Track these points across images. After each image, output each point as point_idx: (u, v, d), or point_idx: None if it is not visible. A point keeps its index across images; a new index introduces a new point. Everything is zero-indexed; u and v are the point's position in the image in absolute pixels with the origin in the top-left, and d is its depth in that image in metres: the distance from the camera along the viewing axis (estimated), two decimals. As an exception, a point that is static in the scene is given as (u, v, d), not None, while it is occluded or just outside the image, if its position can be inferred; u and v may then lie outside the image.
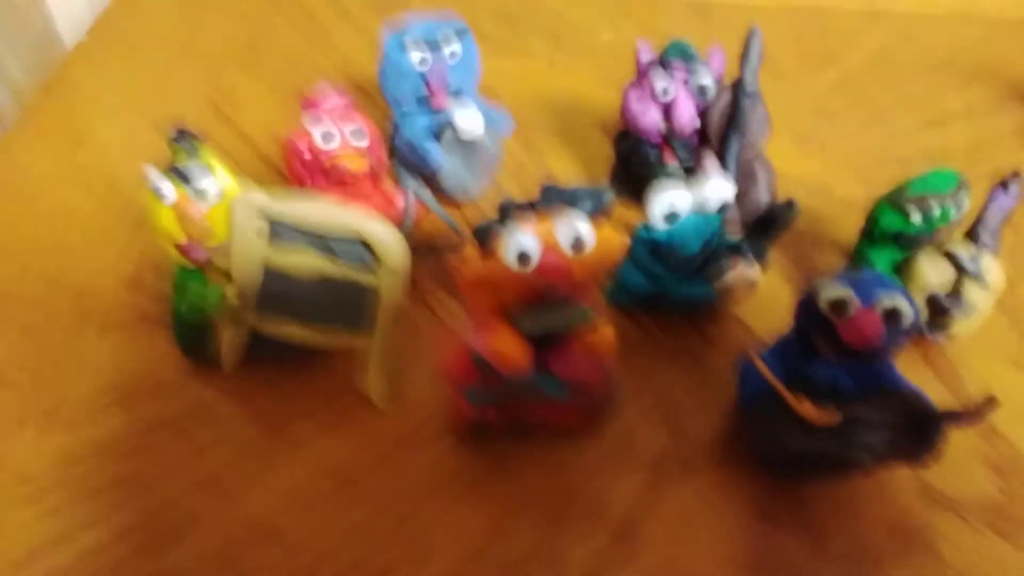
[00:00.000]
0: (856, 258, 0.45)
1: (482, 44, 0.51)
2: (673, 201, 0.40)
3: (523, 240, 0.33)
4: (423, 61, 0.48)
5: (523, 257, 0.33)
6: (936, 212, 0.41)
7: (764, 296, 0.47)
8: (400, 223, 0.46)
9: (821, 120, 0.61)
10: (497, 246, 0.34)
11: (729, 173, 0.48)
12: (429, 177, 0.51)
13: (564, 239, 0.34)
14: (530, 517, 0.39)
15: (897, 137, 0.60)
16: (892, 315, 0.35)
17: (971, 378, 0.44)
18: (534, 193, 0.35)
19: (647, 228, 0.41)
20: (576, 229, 0.34)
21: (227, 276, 0.38)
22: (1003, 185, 0.42)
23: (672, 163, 0.49)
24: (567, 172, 0.56)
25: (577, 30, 0.70)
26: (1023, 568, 0.37)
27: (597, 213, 0.35)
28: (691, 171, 0.49)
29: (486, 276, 0.34)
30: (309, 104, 0.44)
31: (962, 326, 0.44)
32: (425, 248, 0.46)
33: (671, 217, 0.41)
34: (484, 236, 0.34)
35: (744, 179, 0.48)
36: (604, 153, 0.55)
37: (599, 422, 0.42)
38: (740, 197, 0.49)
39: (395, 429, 0.42)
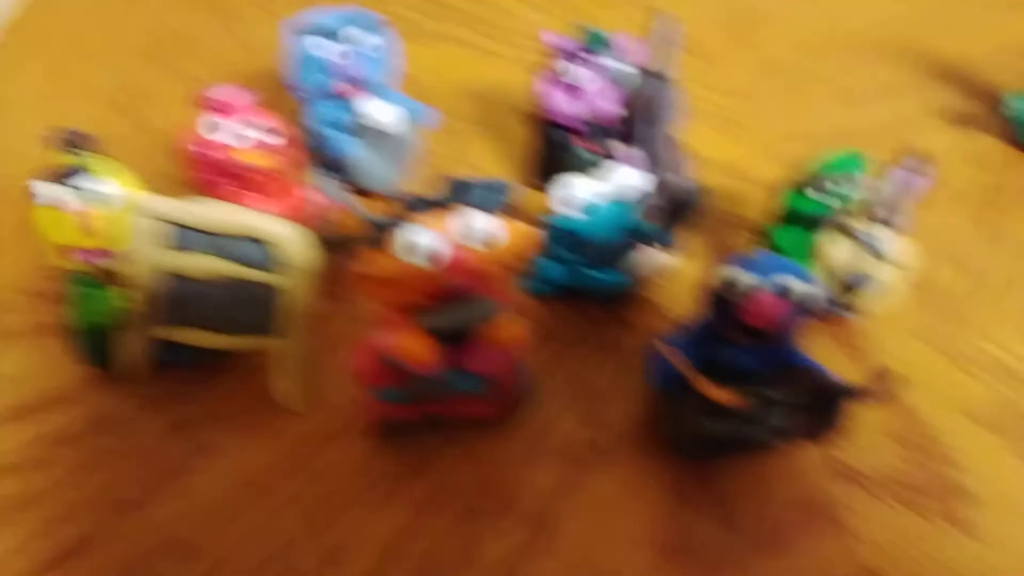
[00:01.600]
0: (767, 239, 0.46)
1: (406, 32, 0.51)
2: (586, 191, 0.40)
3: (425, 237, 0.33)
4: (332, 53, 0.48)
5: (427, 255, 0.33)
6: (839, 193, 0.42)
7: (683, 280, 0.48)
8: (314, 221, 0.45)
9: (743, 103, 0.61)
10: (398, 244, 0.33)
11: (645, 160, 0.48)
12: (346, 172, 0.50)
13: (471, 235, 0.33)
14: (447, 512, 0.39)
15: (815, 118, 0.61)
16: (788, 294, 0.36)
17: (882, 354, 0.46)
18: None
19: (562, 219, 0.41)
20: (483, 225, 0.34)
21: (126, 282, 0.37)
22: (903, 165, 0.43)
23: (590, 151, 0.49)
24: (489, 161, 0.56)
25: (503, 16, 0.69)
26: (924, 533, 0.38)
27: (504, 207, 0.35)
28: (609, 158, 0.49)
29: (386, 275, 0.34)
30: (210, 105, 0.43)
31: (870, 303, 0.45)
32: (341, 245, 0.45)
33: (585, 207, 0.41)
34: (382, 232, 0.34)
35: (660, 165, 0.49)
36: (525, 140, 0.55)
37: (516, 413, 0.42)
38: (660, 182, 0.49)
39: (309, 430, 0.41)
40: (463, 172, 0.55)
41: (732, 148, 0.57)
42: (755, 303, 0.36)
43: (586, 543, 0.38)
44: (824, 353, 0.45)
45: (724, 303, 0.37)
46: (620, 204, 0.41)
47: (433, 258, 0.33)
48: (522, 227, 0.35)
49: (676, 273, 0.46)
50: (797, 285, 0.36)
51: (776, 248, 0.45)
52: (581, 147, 0.50)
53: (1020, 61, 0.57)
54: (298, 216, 0.42)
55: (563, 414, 0.43)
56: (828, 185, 0.42)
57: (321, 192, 0.46)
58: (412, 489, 0.40)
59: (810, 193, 0.43)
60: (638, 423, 0.42)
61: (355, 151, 0.49)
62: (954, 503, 0.39)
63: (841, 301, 0.45)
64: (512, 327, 0.35)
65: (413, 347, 0.34)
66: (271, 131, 0.43)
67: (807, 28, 0.68)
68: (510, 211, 0.35)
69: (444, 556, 0.37)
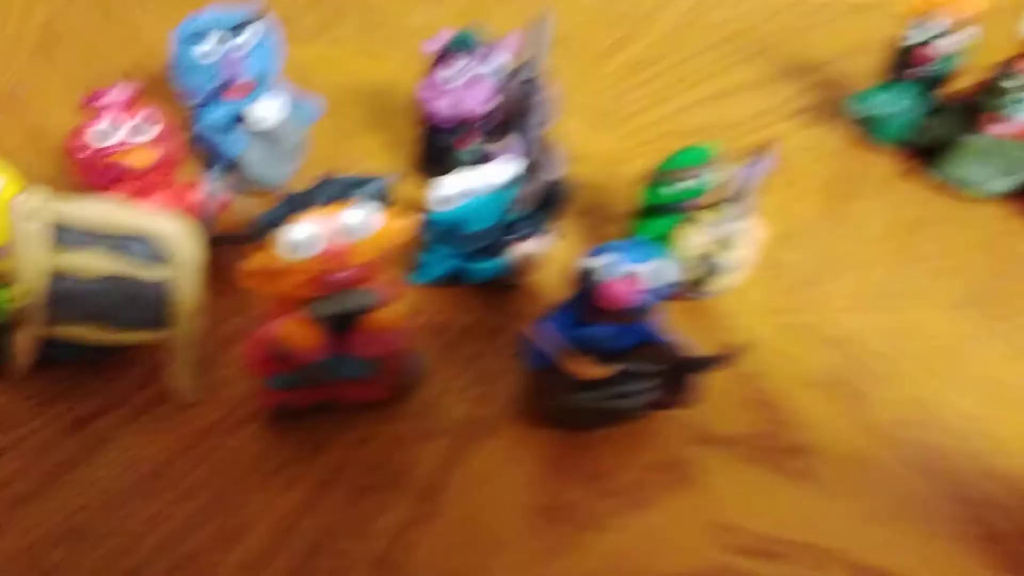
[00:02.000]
0: (631, 229, 0.50)
1: (293, 32, 0.52)
2: (456, 185, 0.43)
3: (304, 231, 0.35)
4: (216, 52, 0.49)
5: (305, 247, 0.35)
6: (690, 184, 0.47)
7: (561, 265, 0.51)
8: (199, 215, 0.46)
9: (614, 98, 0.66)
10: (279, 239, 0.35)
11: (521, 154, 0.52)
12: (237, 171, 0.52)
13: (344, 228, 0.36)
14: (339, 490, 0.41)
15: (682, 112, 0.65)
16: (640, 279, 0.40)
17: (738, 329, 0.50)
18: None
19: (437, 213, 0.44)
20: (359, 219, 0.36)
21: (12, 281, 0.38)
22: (755, 156, 0.47)
23: (468, 147, 0.52)
24: (376, 158, 0.58)
25: (388, 16, 0.71)
26: (771, 486, 0.43)
27: (379, 200, 0.38)
28: (486, 153, 0.52)
29: (270, 269, 0.36)
30: (94, 104, 0.44)
31: (725, 283, 0.49)
32: (227, 238, 0.47)
33: (457, 199, 0.44)
34: (264, 228, 0.36)
35: (536, 159, 0.52)
36: (412, 137, 0.58)
37: (407, 395, 0.44)
38: (532, 175, 0.52)
39: (203, 418, 0.43)
40: (354, 170, 0.57)
41: (605, 142, 0.62)
42: (610, 288, 0.39)
43: (470, 510, 0.41)
44: (684, 329, 0.50)
45: (584, 288, 0.41)
46: (490, 198, 0.44)
47: (312, 252, 0.35)
48: (398, 220, 0.38)
49: (552, 260, 0.50)
50: (648, 270, 0.40)
51: (642, 237, 0.49)
52: (462, 143, 0.53)
53: (866, 59, 0.62)
54: (184, 212, 0.43)
55: (452, 394, 0.46)
56: (676, 178, 0.46)
57: (209, 189, 0.48)
58: (307, 471, 0.42)
59: (668, 186, 0.47)
60: (520, 400, 0.46)
61: (244, 150, 0.51)
62: (796, 458, 0.44)
63: (698, 283, 0.49)
64: (392, 313, 0.38)
65: (297, 335, 0.37)
66: (154, 129, 0.44)
67: (671, 28, 0.73)
68: (388, 205, 0.38)
69: (338, 530, 0.40)
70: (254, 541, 0.39)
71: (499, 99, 0.51)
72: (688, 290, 0.49)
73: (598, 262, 0.40)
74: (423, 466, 0.43)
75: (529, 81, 0.50)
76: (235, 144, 0.51)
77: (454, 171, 0.44)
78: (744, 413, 0.46)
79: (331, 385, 0.41)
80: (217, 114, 0.51)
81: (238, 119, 0.51)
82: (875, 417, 0.46)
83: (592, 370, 0.41)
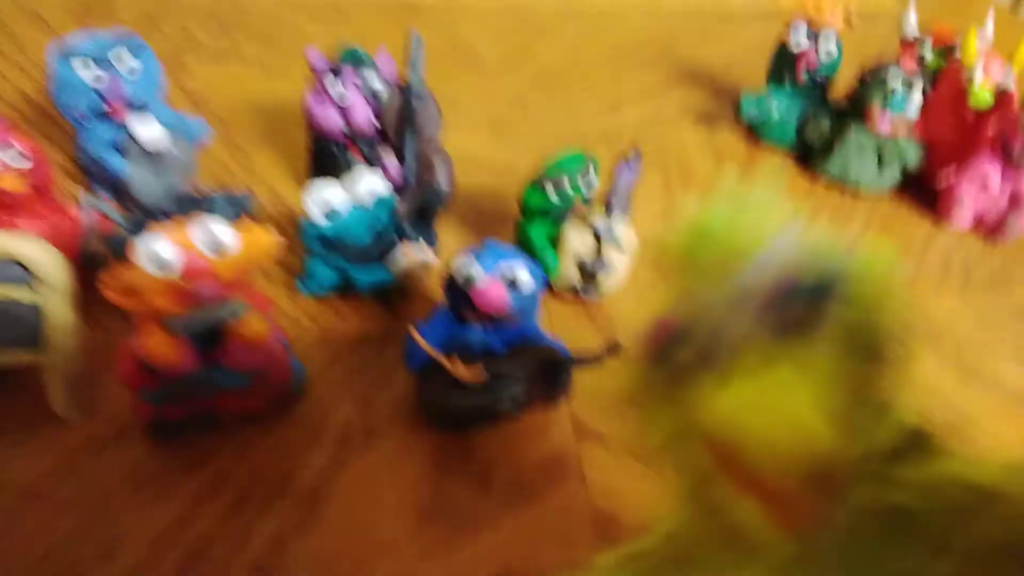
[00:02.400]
0: (518, 232, 0.51)
1: (195, 52, 0.53)
2: (327, 199, 0.44)
3: (161, 248, 0.36)
4: (97, 78, 0.49)
5: (163, 264, 0.36)
6: (568, 190, 0.48)
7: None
8: (78, 238, 0.47)
9: (516, 110, 0.67)
10: (138, 255, 0.36)
11: (408, 166, 0.53)
12: (122, 191, 0.52)
13: (203, 244, 0.36)
14: (219, 501, 0.42)
15: (581, 121, 0.67)
16: (513, 283, 0.41)
17: (624, 326, 0.52)
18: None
19: (314, 224, 0.45)
20: (217, 235, 0.37)
21: None
22: (626, 161, 0.49)
23: (357, 159, 0.53)
24: (274, 173, 0.59)
25: (288, 33, 0.72)
26: (649, 479, 0.44)
27: (239, 217, 0.38)
28: (374, 164, 0.53)
29: (130, 285, 0.36)
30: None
31: (608, 283, 0.51)
32: (102, 258, 0.47)
33: (331, 214, 0.44)
34: (120, 247, 0.36)
35: (423, 170, 0.53)
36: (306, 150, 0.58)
37: (288, 405, 0.45)
38: (421, 186, 0.54)
39: (85, 437, 0.43)
40: (249, 183, 0.58)
41: (505, 150, 0.63)
42: (481, 292, 0.41)
43: (353, 515, 0.42)
44: (577, 328, 0.51)
45: (458, 292, 0.42)
46: (366, 208, 0.45)
47: (170, 268, 0.36)
48: (260, 235, 0.39)
49: (442, 267, 0.51)
50: (523, 274, 0.41)
51: (527, 240, 0.50)
52: (352, 156, 0.53)
53: (758, 63, 0.65)
54: (56, 235, 0.43)
55: (338, 402, 0.46)
56: (554, 184, 0.47)
57: (89, 210, 0.48)
58: (187, 483, 0.42)
59: (547, 192, 0.48)
60: (406, 405, 0.46)
61: (128, 170, 0.51)
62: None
63: (585, 284, 0.51)
64: (256, 325, 0.39)
65: (161, 350, 0.37)
66: (18, 154, 0.44)
67: (573, 42, 0.75)
68: (252, 219, 0.38)
69: (217, 538, 0.40)
70: (134, 552, 0.39)
71: (385, 112, 0.52)
72: (576, 291, 0.50)
73: (473, 266, 0.41)
74: (305, 473, 0.43)
75: (412, 97, 0.51)
76: (120, 164, 0.51)
77: (316, 187, 0.45)
78: (628, 411, 0.47)
79: (208, 397, 0.42)
80: (101, 134, 0.51)
81: (122, 139, 0.51)
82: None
83: (468, 372, 0.42)
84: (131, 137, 0.51)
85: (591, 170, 0.48)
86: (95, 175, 0.52)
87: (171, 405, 0.41)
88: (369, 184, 0.44)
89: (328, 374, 0.47)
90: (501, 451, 0.45)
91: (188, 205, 0.37)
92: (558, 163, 0.48)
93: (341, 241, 0.46)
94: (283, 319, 0.50)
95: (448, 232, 0.56)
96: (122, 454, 0.43)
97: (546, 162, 0.49)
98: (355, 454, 0.44)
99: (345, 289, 0.50)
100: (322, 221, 0.44)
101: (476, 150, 0.61)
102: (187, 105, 0.64)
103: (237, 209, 0.38)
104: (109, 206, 0.50)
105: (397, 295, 0.51)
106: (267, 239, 0.39)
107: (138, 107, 0.52)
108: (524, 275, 0.41)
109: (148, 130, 0.50)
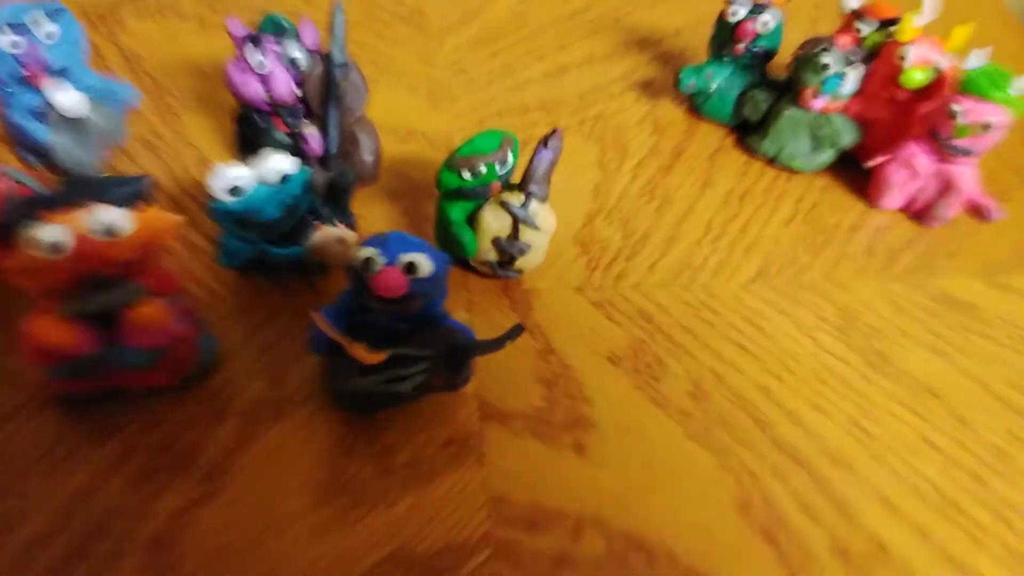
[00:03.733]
0: (438, 211, 0.51)
1: (133, 4, 0.52)
2: (231, 176, 0.44)
3: (48, 232, 0.36)
4: (14, 44, 0.49)
5: (51, 247, 0.36)
6: (483, 169, 0.48)
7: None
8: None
9: (456, 75, 0.66)
10: (23, 237, 0.36)
11: (332, 138, 0.53)
12: (46, 158, 0.52)
13: (93, 227, 0.37)
14: (124, 474, 0.43)
15: (522, 88, 0.66)
16: (412, 268, 0.41)
17: (544, 307, 0.52)
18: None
19: (218, 202, 0.45)
20: (107, 217, 0.37)
21: None
22: (544, 141, 0.49)
23: (281, 131, 0.53)
24: (202, 137, 0.59)
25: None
26: (548, 460, 0.45)
27: (134, 200, 0.39)
28: (295, 137, 0.53)
29: (18, 265, 0.37)
30: None
31: (525, 263, 0.51)
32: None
33: (235, 190, 0.45)
34: (6, 230, 0.36)
35: (347, 143, 0.53)
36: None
37: (195, 379, 0.46)
38: (345, 160, 0.53)
39: (-7, 407, 0.44)
40: (179, 149, 0.58)
41: (443, 120, 0.63)
42: (381, 279, 0.41)
43: (256, 491, 0.43)
44: (497, 307, 0.52)
45: (360, 277, 0.42)
46: (271, 185, 0.45)
47: (56, 250, 0.36)
48: (157, 216, 0.39)
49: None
50: (422, 260, 0.42)
51: (444, 218, 0.51)
52: (274, 126, 0.53)
53: (707, 34, 0.63)
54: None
55: (250, 378, 0.47)
56: (468, 165, 0.47)
57: (5, 178, 0.48)
58: (93, 454, 0.43)
59: (461, 172, 0.48)
60: (316, 383, 0.47)
61: (50, 137, 0.51)
62: (574, 432, 0.46)
63: (503, 263, 0.51)
64: (151, 311, 0.39)
65: (51, 332, 0.38)
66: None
67: (517, 4, 0.74)
68: (149, 201, 0.39)
69: (119, 512, 0.42)
70: (35, 525, 0.41)
71: (306, 82, 0.51)
72: (494, 270, 0.51)
73: (373, 252, 0.41)
74: (211, 448, 0.44)
75: (333, 67, 0.50)
76: (41, 130, 0.51)
77: (221, 166, 0.45)
78: (531, 389, 0.48)
79: (112, 374, 0.43)
80: (22, 100, 0.51)
81: (43, 106, 0.51)
82: (667, 389, 0.49)
83: (369, 355, 0.43)
84: (50, 104, 0.50)
85: (508, 151, 0.48)
86: (20, 142, 0.52)
87: (76, 380, 0.42)
88: (275, 164, 0.44)
89: (242, 348, 0.48)
90: (405, 432, 0.46)
91: (77, 188, 0.37)
92: (472, 143, 0.48)
93: (248, 217, 0.46)
94: (201, 291, 0.51)
95: (376, 206, 0.56)
96: (28, 427, 0.44)
97: (461, 142, 0.49)
98: (262, 430, 0.45)
99: (266, 263, 0.50)
100: (225, 198, 0.45)
101: (412, 118, 0.61)
102: (121, 64, 0.64)
103: (131, 192, 0.38)
104: (28, 176, 0.50)
105: (318, 270, 0.51)
106: (165, 219, 0.39)
107: (59, 72, 0.51)
108: (423, 260, 0.41)
109: (66, 96, 0.50)
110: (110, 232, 0.37)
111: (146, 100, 0.60)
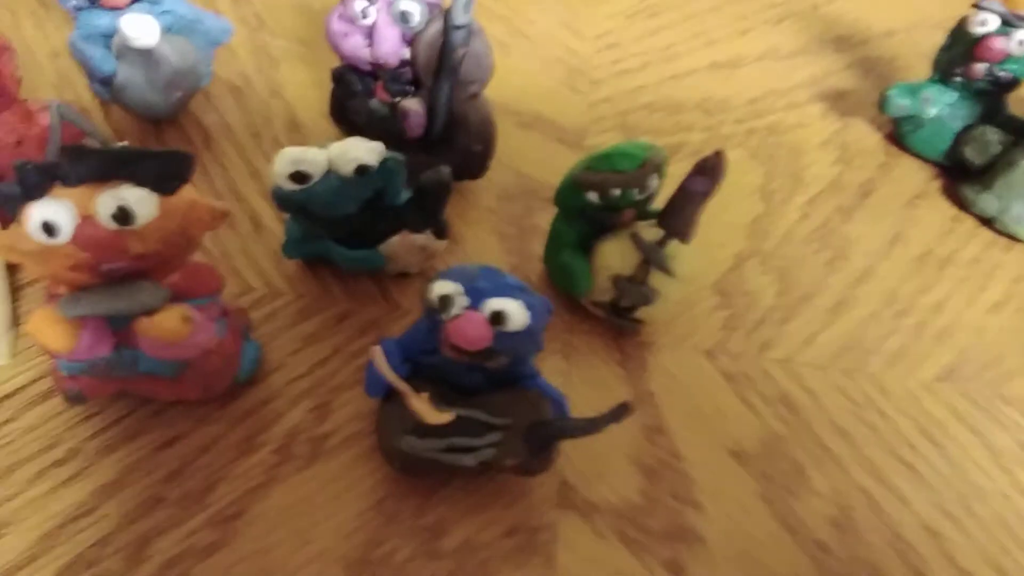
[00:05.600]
0: (552, 230, 0.41)
1: None
2: (294, 160, 0.35)
3: (50, 212, 0.28)
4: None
5: (44, 228, 0.28)
6: (616, 193, 0.37)
7: (471, 256, 0.44)
8: (44, 144, 0.40)
9: (604, 51, 0.55)
10: (24, 217, 0.29)
11: (438, 118, 0.43)
12: (107, 86, 0.45)
13: (102, 210, 0.29)
14: (125, 496, 0.36)
15: (681, 80, 0.54)
16: (500, 318, 0.32)
17: (657, 371, 0.41)
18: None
19: (282, 189, 0.36)
20: (122, 199, 0.29)
21: None
22: (700, 169, 0.37)
23: (380, 100, 0.44)
24: (295, 92, 0.50)
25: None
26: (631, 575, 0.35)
27: (168, 180, 0.30)
28: (395, 110, 0.43)
29: (12, 247, 0.29)
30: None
31: (649, 314, 0.40)
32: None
33: (299, 176, 0.36)
34: (10, 203, 0.29)
35: (454, 125, 0.43)
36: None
37: (225, 393, 0.38)
38: (448, 146, 0.44)
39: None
40: (271, 105, 0.50)
41: (578, 108, 0.52)
42: (460, 326, 0.32)
43: (270, 550, 0.35)
44: (603, 360, 0.41)
45: (434, 316, 0.33)
46: (345, 176, 0.36)
47: (50, 232, 0.28)
48: (194, 203, 0.30)
49: (458, 253, 0.42)
50: (516, 310, 0.32)
51: (559, 242, 0.40)
52: (374, 94, 0.44)
53: (932, 41, 0.49)
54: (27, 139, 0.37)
55: (292, 401, 0.39)
56: (610, 184, 0.37)
57: (53, 113, 0.41)
58: (90, 466, 0.36)
59: (587, 191, 0.37)
60: (366, 422, 0.39)
61: (111, 65, 0.43)
62: (672, 545, 0.36)
63: (618, 310, 0.40)
64: (170, 323, 0.31)
65: (46, 331, 0.30)
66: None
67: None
68: (178, 184, 0.30)
69: (111, 547, 0.35)
70: (18, 544, 0.34)
71: (417, 45, 0.42)
72: (609, 315, 0.41)
73: (453, 289, 0.32)
74: (232, 485, 0.36)
75: (452, 28, 0.40)
76: (107, 61, 0.43)
77: (289, 148, 0.36)
78: (628, 477, 0.38)
79: (128, 378, 0.35)
80: (93, 22, 0.43)
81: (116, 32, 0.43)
82: (803, 509, 0.38)
83: (434, 415, 0.33)
84: (118, 30, 0.43)
85: (651, 175, 0.37)
86: (87, 72, 0.45)
87: (92, 379, 0.35)
88: (352, 151, 0.35)
89: (290, 360, 0.40)
90: (461, 505, 0.37)
91: (111, 163, 0.29)
92: (608, 157, 0.37)
93: (314, 208, 0.37)
94: (258, 282, 0.42)
95: (476, 207, 0.46)
96: (30, 421, 0.37)
97: (597, 144, 0.38)
98: (293, 472, 0.37)
99: (327, 258, 0.42)
100: (287, 185, 0.36)
101: (542, 100, 0.50)
102: (227, -9, 0.56)
103: (169, 173, 0.30)
104: (84, 117, 0.43)
105: (395, 277, 0.43)
106: (200, 208, 0.31)
107: (148, -1, 0.43)
108: (516, 310, 0.31)
109: (137, 25, 0.42)
110: (123, 218, 0.29)
111: (244, 39, 0.52)
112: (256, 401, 0.39)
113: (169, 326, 0.31)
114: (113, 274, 0.31)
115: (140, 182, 0.29)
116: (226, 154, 0.47)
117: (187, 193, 0.31)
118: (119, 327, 0.32)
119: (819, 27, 0.58)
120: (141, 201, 0.29)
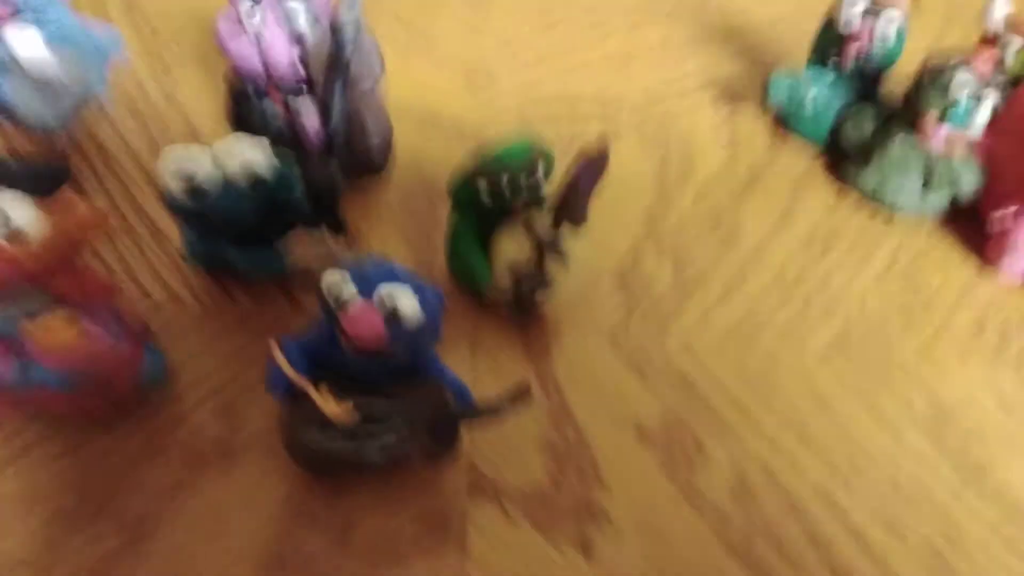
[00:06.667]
0: (448, 224, 0.42)
1: None
2: (182, 162, 0.35)
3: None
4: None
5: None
6: (506, 189, 0.38)
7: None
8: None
9: (500, 47, 0.56)
10: None
11: (335, 119, 0.43)
12: (9, 112, 0.44)
13: (-9, 225, 0.29)
14: (35, 513, 0.36)
15: (577, 72, 0.56)
16: (394, 313, 0.32)
17: (561, 356, 0.43)
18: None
19: (172, 195, 0.36)
20: (10, 214, 0.29)
21: None
22: (586, 157, 0.39)
23: (276, 108, 0.44)
24: (193, 102, 0.50)
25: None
26: (542, 556, 0.36)
27: (49, 192, 0.30)
28: (291, 116, 0.44)
29: None
30: None
31: (548, 297, 0.42)
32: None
33: (189, 179, 0.36)
34: None
35: (350, 126, 0.44)
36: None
37: (132, 409, 0.38)
38: (346, 145, 0.44)
39: None
40: (166, 114, 0.49)
41: (476, 104, 0.53)
42: (354, 320, 0.32)
43: (184, 554, 0.35)
44: (509, 346, 0.43)
45: (330, 311, 0.33)
46: (235, 178, 0.36)
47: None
48: (76, 211, 0.31)
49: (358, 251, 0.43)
50: (409, 306, 0.33)
51: (455, 236, 0.41)
52: (269, 103, 0.44)
53: (811, 28, 0.52)
54: None
55: (198, 408, 0.39)
56: (488, 178, 0.38)
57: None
58: (1, 488, 0.36)
59: (479, 186, 0.38)
60: (272, 425, 0.39)
61: (8, 90, 0.43)
62: (580, 523, 0.37)
63: (520, 300, 0.42)
64: (58, 332, 0.31)
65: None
66: None
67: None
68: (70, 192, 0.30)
69: (22, 561, 0.34)
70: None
71: (308, 50, 0.42)
72: (509, 309, 0.42)
73: (346, 283, 0.33)
74: (140, 493, 0.37)
75: (340, 30, 0.41)
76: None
77: (173, 151, 0.36)
78: (535, 460, 0.39)
79: (30, 394, 0.35)
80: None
81: (6, 53, 0.43)
82: (703, 481, 0.39)
83: (338, 410, 0.34)
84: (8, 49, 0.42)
85: (540, 167, 0.38)
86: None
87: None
88: (240, 153, 0.35)
89: (196, 367, 0.40)
90: (372, 500, 0.37)
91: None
92: (498, 154, 0.38)
93: (209, 215, 0.37)
94: (158, 290, 0.42)
95: (379, 206, 0.47)
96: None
97: (495, 138, 0.39)
98: (201, 477, 0.37)
99: (230, 265, 0.42)
100: (176, 187, 0.36)
101: (440, 98, 0.51)
102: (119, 5, 0.55)
103: (48, 183, 0.30)
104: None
105: (298, 283, 0.43)
106: (86, 216, 0.31)
107: (32, 11, 0.43)
108: (409, 305, 0.32)
109: (24, 41, 0.42)
110: (10, 234, 0.29)
111: (139, 52, 0.51)
112: (162, 409, 0.39)
113: (56, 331, 0.31)
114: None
115: (15, 185, 0.29)
116: (121, 163, 0.47)
117: (67, 200, 0.31)
118: (5, 335, 0.32)
119: (708, 18, 0.61)
120: (24, 216, 0.29)
